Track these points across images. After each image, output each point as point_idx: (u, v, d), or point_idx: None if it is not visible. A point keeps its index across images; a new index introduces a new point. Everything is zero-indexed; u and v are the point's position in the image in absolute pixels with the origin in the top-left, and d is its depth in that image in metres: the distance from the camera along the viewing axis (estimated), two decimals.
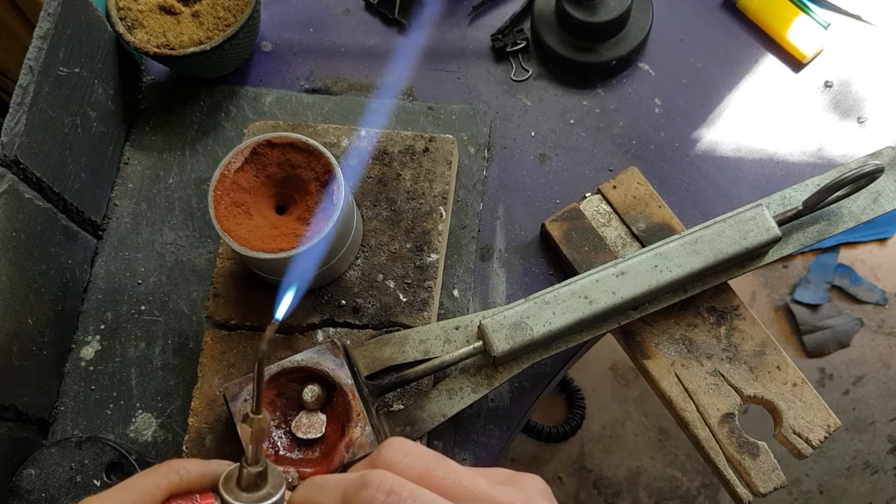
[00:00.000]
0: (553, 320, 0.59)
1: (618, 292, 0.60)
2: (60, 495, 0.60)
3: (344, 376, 0.59)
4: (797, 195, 0.65)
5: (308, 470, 0.58)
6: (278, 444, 0.60)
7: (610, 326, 0.62)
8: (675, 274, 0.60)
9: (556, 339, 0.61)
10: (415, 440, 0.60)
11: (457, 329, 0.62)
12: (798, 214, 0.64)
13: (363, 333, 0.66)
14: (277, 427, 0.60)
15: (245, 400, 0.59)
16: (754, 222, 0.61)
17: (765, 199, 0.65)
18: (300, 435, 0.59)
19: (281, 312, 0.50)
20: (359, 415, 0.57)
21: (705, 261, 0.61)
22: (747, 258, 0.63)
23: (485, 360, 0.62)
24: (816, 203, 0.63)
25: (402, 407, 0.62)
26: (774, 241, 0.62)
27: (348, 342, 0.64)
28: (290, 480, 0.57)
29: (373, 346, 0.62)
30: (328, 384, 0.60)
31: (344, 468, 0.58)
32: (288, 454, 0.59)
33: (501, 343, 0.59)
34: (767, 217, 0.61)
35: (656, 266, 0.61)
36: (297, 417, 0.59)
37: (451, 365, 0.60)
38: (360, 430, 0.57)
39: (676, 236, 0.62)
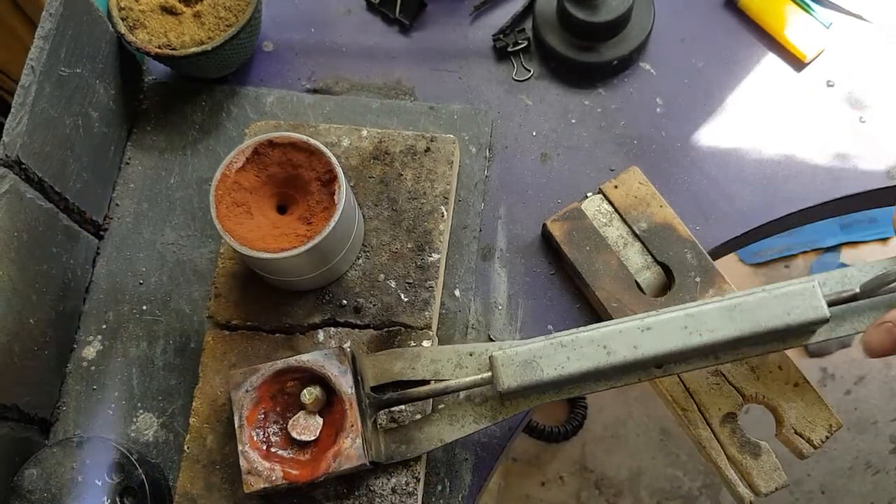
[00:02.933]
0: (566, 365, 0.56)
1: (640, 347, 0.56)
2: (62, 495, 0.60)
3: (346, 384, 0.58)
4: (859, 276, 0.59)
5: (294, 472, 0.57)
6: (272, 438, 0.60)
7: (629, 380, 0.58)
8: (705, 338, 0.56)
9: (568, 385, 0.58)
10: (408, 459, 0.60)
11: (470, 355, 0.61)
12: (854, 298, 0.57)
13: (364, 333, 0.66)
14: (275, 422, 0.60)
15: (246, 391, 0.59)
16: (802, 298, 0.56)
17: (823, 275, 0.59)
18: (294, 434, 0.59)
19: None
20: (352, 426, 0.57)
21: (740, 330, 0.56)
22: (790, 334, 0.58)
23: (492, 392, 0.60)
24: (876, 289, 0.57)
25: (400, 424, 0.62)
26: (821, 322, 0.56)
27: (363, 349, 0.64)
28: (273, 479, 0.57)
29: (384, 358, 0.62)
30: (330, 389, 0.60)
31: (328, 477, 0.57)
32: (279, 451, 0.59)
33: (509, 379, 0.56)
34: (818, 295, 0.56)
35: (686, 327, 0.56)
36: (295, 416, 0.59)
37: (457, 391, 0.59)
38: (350, 441, 0.57)
39: (715, 299, 0.57)
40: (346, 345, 0.60)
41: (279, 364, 0.60)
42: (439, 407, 0.61)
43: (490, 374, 0.58)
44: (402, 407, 0.62)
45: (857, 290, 0.57)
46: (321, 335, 0.66)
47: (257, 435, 0.59)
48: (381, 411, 0.62)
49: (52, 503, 0.60)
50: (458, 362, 0.60)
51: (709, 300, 0.57)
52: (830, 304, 0.56)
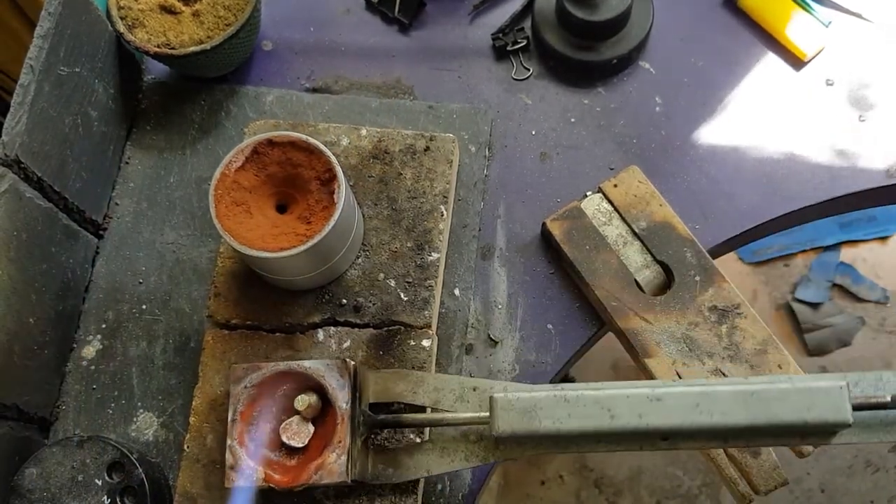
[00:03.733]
0: (565, 421, 0.54)
1: (644, 417, 0.53)
2: (62, 494, 0.60)
3: (342, 398, 0.58)
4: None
5: (276, 475, 0.57)
6: (263, 438, 0.59)
7: (630, 447, 0.56)
8: (715, 420, 0.53)
9: (565, 441, 0.56)
10: (394, 484, 0.60)
11: (474, 390, 0.59)
12: (882, 406, 0.53)
13: (364, 332, 0.66)
14: (268, 422, 0.60)
15: (245, 387, 0.59)
16: (827, 397, 0.52)
17: (857, 374, 0.55)
18: (284, 439, 0.58)
19: None
20: (339, 441, 0.57)
21: (754, 419, 0.52)
22: (808, 432, 0.54)
23: (488, 432, 0.57)
24: None
25: (390, 447, 0.61)
26: (842, 426, 0.52)
27: (367, 358, 0.64)
28: (253, 479, 0.57)
29: (388, 377, 0.61)
30: (327, 399, 0.59)
31: (308, 489, 0.57)
32: (266, 452, 0.59)
33: (505, 424, 0.54)
34: (843, 397, 0.52)
35: (698, 405, 0.53)
36: (288, 420, 0.59)
37: (454, 426, 0.58)
38: (334, 457, 0.56)
39: (737, 380, 0.54)
40: (351, 361, 0.60)
41: (281, 366, 0.60)
42: (433, 437, 0.60)
43: (488, 415, 0.56)
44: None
45: (889, 399, 0.53)
46: (321, 334, 0.66)
47: (249, 432, 0.59)
48: (375, 431, 0.62)
49: (52, 502, 0.60)
50: (461, 395, 0.59)
51: (728, 380, 0.54)
52: (858, 408, 0.52)
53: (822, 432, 0.54)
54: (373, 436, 0.61)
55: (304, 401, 0.58)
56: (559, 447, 0.56)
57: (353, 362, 0.59)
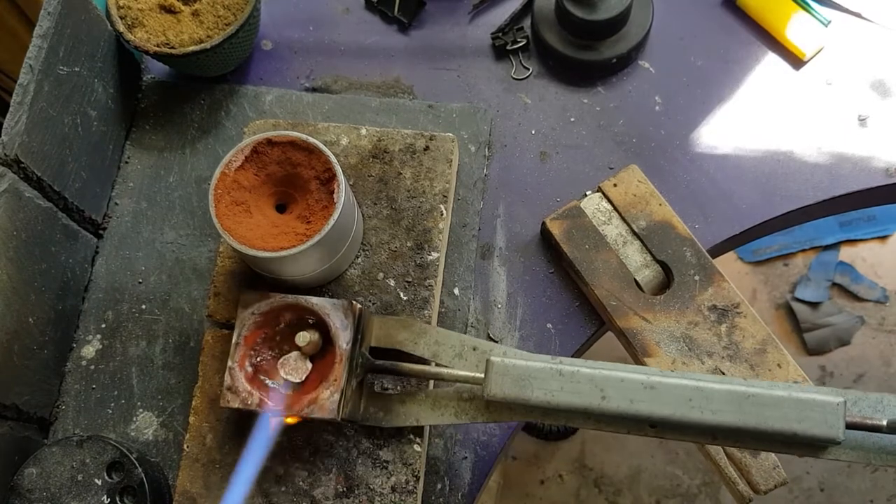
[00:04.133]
0: (556, 394, 0.55)
1: (636, 403, 0.54)
2: (61, 494, 0.60)
3: (343, 339, 0.59)
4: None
5: (269, 403, 0.58)
6: (262, 365, 0.60)
7: (618, 429, 0.56)
8: (705, 417, 0.53)
9: (554, 413, 0.56)
10: (384, 428, 0.61)
11: (474, 350, 0.60)
12: (876, 429, 0.53)
13: None
14: (269, 349, 0.61)
15: (252, 313, 0.60)
16: (820, 411, 0.52)
17: (857, 393, 0.55)
18: (282, 373, 0.59)
19: None
20: (335, 380, 0.58)
21: (745, 422, 0.52)
22: (797, 442, 0.54)
23: (481, 393, 0.58)
24: None
25: (391, 390, 0.62)
26: (832, 442, 0.52)
27: (371, 309, 0.64)
28: (248, 402, 0.58)
29: (392, 323, 0.62)
30: (329, 338, 0.60)
31: (298, 420, 0.58)
32: (265, 378, 0.60)
33: (497, 388, 0.55)
34: (838, 414, 0.52)
35: (691, 400, 0.53)
36: (288, 355, 0.60)
37: (448, 381, 0.59)
38: (328, 394, 0.57)
39: (732, 380, 0.54)
40: (357, 304, 0.60)
41: (289, 298, 0.60)
42: (427, 388, 0.61)
43: (482, 375, 0.57)
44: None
45: (884, 424, 0.53)
46: None
47: (250, 357, 0.60)
48: (372, 375, 0.63)
49: (52, 502, 0.60)
50: (460, 352, 0.60)
51: (726, 379, 0.54)
52: (852, 426, 0.52)
53: (811, 445, 0.53)
54: (369, 379, 0.62)
55: (305, 337, 0.59)
56: (548, 417, 0.57)
57: (359, 305, 0.60)
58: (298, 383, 0.59)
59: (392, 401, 0.61)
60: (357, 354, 0.59)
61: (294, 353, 0.60)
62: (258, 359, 0.61)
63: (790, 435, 0.52)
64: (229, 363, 0.59)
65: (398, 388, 0.63)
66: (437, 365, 0.61)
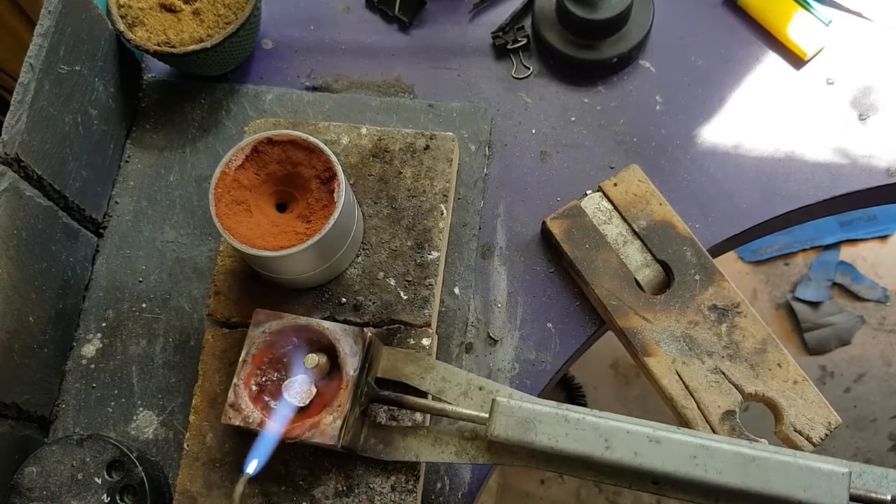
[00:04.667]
0: (561, 440, 0.54)
1: (640, 456, 0.53)
2: (62, 493, 0.60)
3: (351, 365, 0.59)
4: None
5: (271, 423, 0.58)
6: (267, 386, 0.60)
7: (620, 483, 0.56)
8: (709, 476, 0.52)
9: (556, 461, 0.56)
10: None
11: (480, 389, 0.60)
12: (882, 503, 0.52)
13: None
14: (276, 371, 0.61)
15: (263, 331, 0.60)
16: (826, 481, 0.51)
17: (863, 466, 0.54)
18: (286, 396, 0.59)
19: (252, 468, 0.55)
20: (339, 406, 0.57)
21: (748, 485, 0.52)
22: None
23: (484, 433, 0.58)
24: None
25: (394, 423, 0.62)
26: None
27: (380, 342, 0.64)
28: (250, 420, 0.58)
29: (400, 355, 0.62)
30: (336, 363, 0.60)
31: (295, 444, 0.58)
32: (268, 398, 0.60)
33: (501, 428, 0.54)
34: (843, 485, 0.51)
35: (695, 457, 0.53)
36: (292, 378, 0.60)
37: (452, 419, 0.59)
38: (330, 419, 0.57)
39: (740, 442, 0.54)
40: (368, 332, 0.60)
41: (301, 320, 0.60)
42: (429, 425, 0.60)
43: (487, 415, 0.56)
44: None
45: (889, 497, 0.52)
46: None
47: (255, 377, 0.60)
48: (376, 405, 0.62)
49: (52, 501, 0.60)
50: (466, 391, 0.60)
51: (732, 441, 0.54)
52: (855, 499, 0.52)
53: None
54: (372, 409, 0.62)
55: (313, 360, 0.59)
56: (550, 465, 0.56)
57: (370, 333, 0.60)
58: (302, 407, 0.59)
59: (393, 433, 0.60)
60: (363, 383, 0.59)
61: (300, 377, 0.59)
62: (263, 378, 0.60)
63: (794, 502, 0.52)
64: (235, 380, 0.59)
65: (399, 422, 0.63)
66: (440, 401, 0.60)
